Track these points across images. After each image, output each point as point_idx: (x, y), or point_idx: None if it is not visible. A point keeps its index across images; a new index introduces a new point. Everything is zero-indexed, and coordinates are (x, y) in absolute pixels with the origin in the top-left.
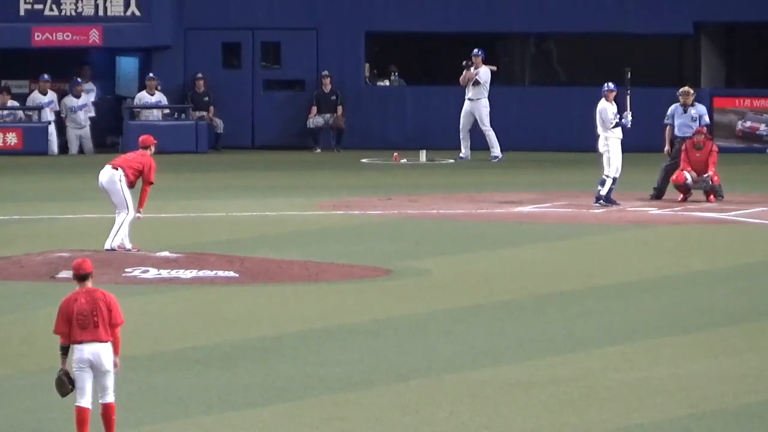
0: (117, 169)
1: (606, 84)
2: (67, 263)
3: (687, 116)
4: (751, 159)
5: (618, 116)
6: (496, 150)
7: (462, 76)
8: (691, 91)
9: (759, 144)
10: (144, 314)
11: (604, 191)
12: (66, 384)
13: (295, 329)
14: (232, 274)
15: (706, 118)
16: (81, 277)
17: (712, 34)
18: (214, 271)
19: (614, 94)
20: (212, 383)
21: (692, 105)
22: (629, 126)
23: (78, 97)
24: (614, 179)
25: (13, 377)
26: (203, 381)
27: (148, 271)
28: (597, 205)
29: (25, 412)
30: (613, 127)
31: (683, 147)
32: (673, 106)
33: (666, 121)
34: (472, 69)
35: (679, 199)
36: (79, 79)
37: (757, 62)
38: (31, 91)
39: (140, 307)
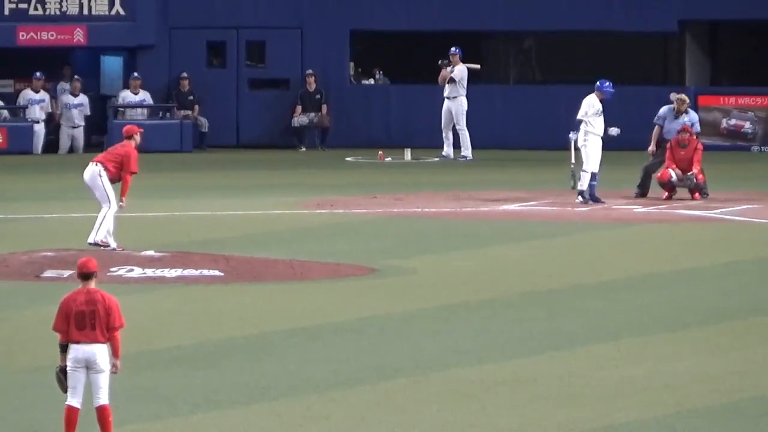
0: (97, 164)
1: (602, 81)
2: (52, 263)
3: (678, 122)
4: (735, 157)
5: (598, 112)
6: (467, 151)
7: (440, 76)
8: (687, 100)
9: (744, 142)
10: (129, 313)
11: (584, 185)
12: (63, 381)
13: (280, 328)
14: (217, 272)
15: (698, 127)
16: (84, 275)
17: (696, 32)
18: (199, 270)
19: (602, 96)
20: (197, 382)
21: (686, 112)
22: (613, 135)
23: (75, 95)
24: (593, 174)
25: None
26: (188, 380)
27: (132, 270)
28: (579, 200)
29: (10, 411)
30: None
31: (668, 145)
32: (665, 108)
33: (656, 121)
34: (448, 68)
35: (664, 197)
36: (76, 76)
37: (742, 60)
38: (17, 90)
39: (125, 307)
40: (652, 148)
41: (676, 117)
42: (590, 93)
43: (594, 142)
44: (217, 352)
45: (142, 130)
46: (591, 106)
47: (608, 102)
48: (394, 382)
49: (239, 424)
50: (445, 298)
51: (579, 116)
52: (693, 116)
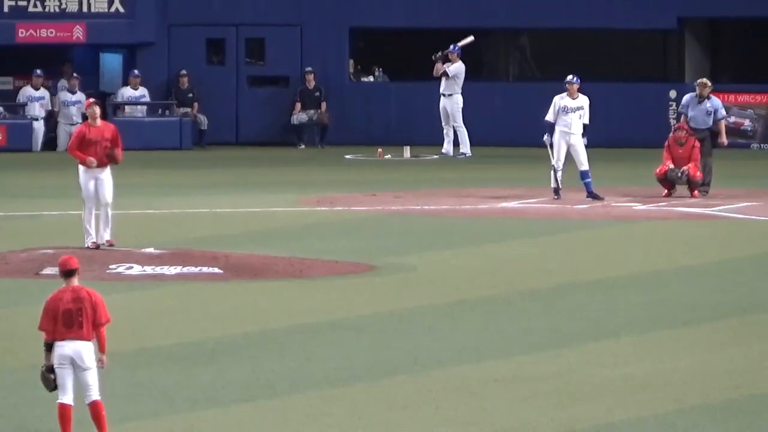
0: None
1: (569, 77)
2: (51, 260)
3: (702, 109)
4: (735, 154)
5: (565, 109)
6: (465, 148)
7: (434, 68)
8: (709, 84)
9: (743, 139)
10: (128, 311)
11: (555, 183)
12: (50, 380)
13: (280, 325)
14: (216, 270)
15: (722, 112)
16: (67, 273)
17: (696, 29)
18: (199, 268)
19: (576, 86)
20: (197, 379)
21: (708, 98)
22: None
23: (73, 92)
24: (584, 172)
25: None
26: (188, 377)
27: (132, 267)
28: (554, 198)
29: (8, 408)
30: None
31: (666, 143)
32: (688, 96)
33: (680, 110)
34: (439, 62)
35: (664, 194)
36: (74, 73)
37: (742, 57)
38: (16, 88)
39: (125, 304)
40: None
41: (699, 102)
42: (586, 92)
43: (557, 139)
44: (217, 349)
45: (92, 100)
46: (553, 105)
47: (570, 93)
48: (394, 379)
49: (239, 421)
50: (445, 296)
51: (546, 117)
52: (715, 101)
